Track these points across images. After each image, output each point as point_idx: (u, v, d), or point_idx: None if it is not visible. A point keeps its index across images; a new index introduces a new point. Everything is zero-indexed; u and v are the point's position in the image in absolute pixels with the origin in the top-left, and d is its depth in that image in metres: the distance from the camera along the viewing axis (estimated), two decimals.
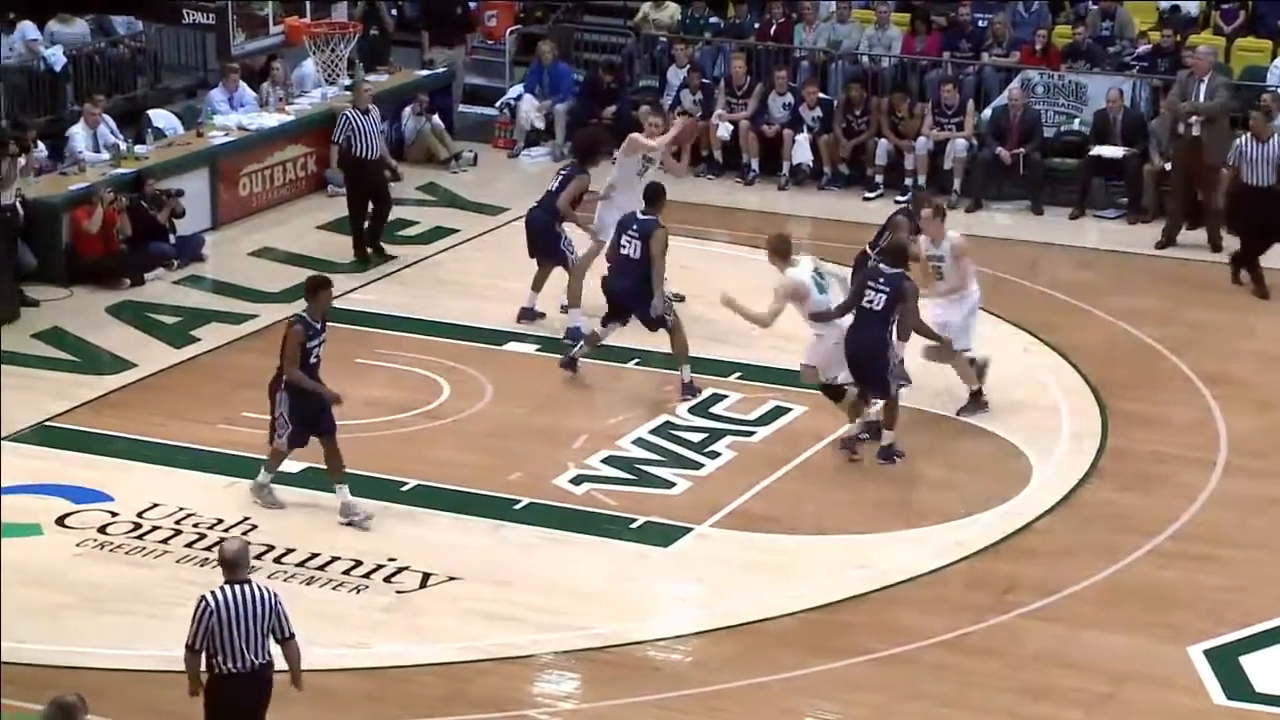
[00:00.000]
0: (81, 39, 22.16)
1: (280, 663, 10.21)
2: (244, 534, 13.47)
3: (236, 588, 9.97)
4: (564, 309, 17.10)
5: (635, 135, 17.58)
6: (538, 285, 17.30)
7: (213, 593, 10.01)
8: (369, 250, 19.08)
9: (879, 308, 14.41)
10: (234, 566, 10.04)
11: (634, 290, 15.59)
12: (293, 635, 10.15)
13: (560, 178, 17.20)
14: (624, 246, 15.74)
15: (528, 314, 17.29)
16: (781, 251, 15.07)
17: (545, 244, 17.12)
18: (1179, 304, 18.33)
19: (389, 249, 19.21)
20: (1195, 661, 12.14)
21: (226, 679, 9.96)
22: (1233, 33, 22.32)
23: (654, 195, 16.01)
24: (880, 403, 14.83)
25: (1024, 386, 16.25)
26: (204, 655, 9.98)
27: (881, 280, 14.50)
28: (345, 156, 19.27)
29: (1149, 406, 15.87)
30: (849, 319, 14.64)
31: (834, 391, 14.87)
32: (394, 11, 24.54)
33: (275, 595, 10.08)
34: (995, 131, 21.14)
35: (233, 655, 9.91)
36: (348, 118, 19.15)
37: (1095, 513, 14.13)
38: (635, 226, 15.74)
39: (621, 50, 23.73)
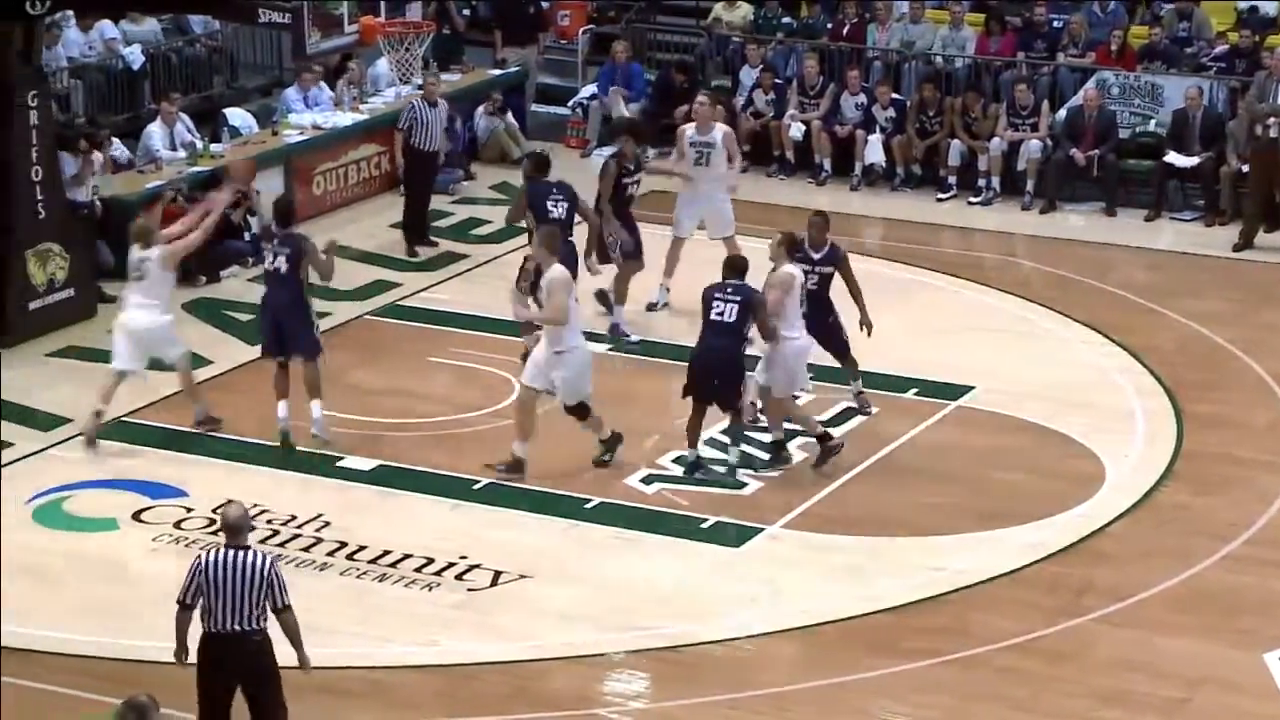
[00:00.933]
0: (154, 37, 22.33)
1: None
2: (317, 530, 13.56)
3: (232, 552, 9.99)
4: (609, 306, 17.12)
5: (681, 128, 17.81)
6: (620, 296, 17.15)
7: (208, 551, 10.13)
8: (418, 241, 19.30)
9: (731, 319, 14.12)
10: (234, 531, 10.09)
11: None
12: (288, 607, 10.05)
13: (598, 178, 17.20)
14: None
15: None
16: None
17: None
18: (1254, 306, 18.19)
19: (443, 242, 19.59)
20: (1270, 667, 12.03)
21: (209, 638, 10.04)
22: None
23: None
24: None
25: (1097, 389, 16.16)
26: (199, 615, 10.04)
27: (730, 290, 14.20)
28: (405, 145, 19.49)
29: (1223, 409, 15.75)
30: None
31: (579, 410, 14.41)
32: (465, 11, 24.63)
33: (271, 564, 10.03)
34: (1070, 132, 21.02)
35: (217, 616, 9.96)
36: (413, 106, 19.51)
37: (1169, 516, 14.04)
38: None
39: (694, 50, 23.73)
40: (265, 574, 9.95)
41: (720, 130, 17.72)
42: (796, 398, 14.90)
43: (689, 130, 17.70)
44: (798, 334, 14.51)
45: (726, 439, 14.50)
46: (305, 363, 14.76)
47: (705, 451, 14.71)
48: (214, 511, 13.69)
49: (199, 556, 10.13)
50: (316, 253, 14.85)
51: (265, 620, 10.05)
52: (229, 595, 9.92)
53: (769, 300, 14.28)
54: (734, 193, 17.93)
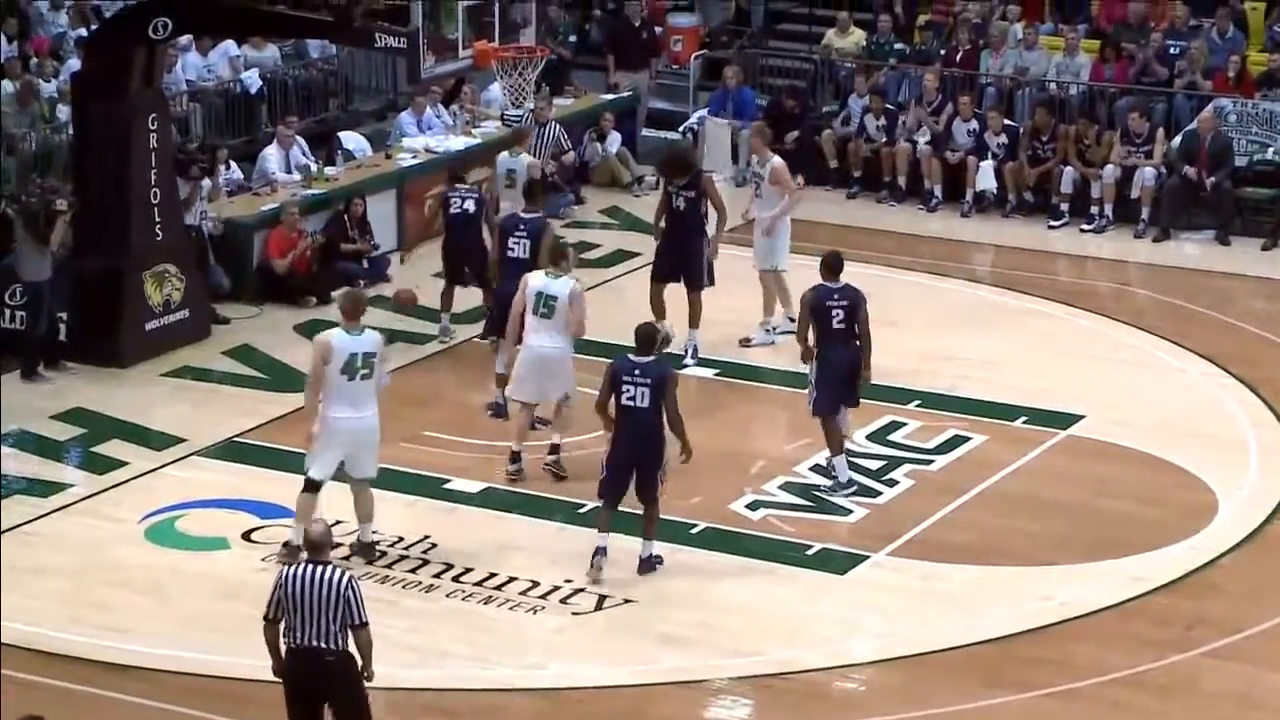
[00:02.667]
0: (273, 62, 22.61)
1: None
2: (424, 552, 13.64)
3: (312, 567, 10.05)
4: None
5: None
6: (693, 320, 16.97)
7: (289, 566, 10.22)
8: None
9: (644, 403, 13.02)
10: (316, 548, 10.17)
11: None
12: (364, 623, 10.06)
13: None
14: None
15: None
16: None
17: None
18: None
19: None
20: None
21: (290, 653, 10.13)
22: None
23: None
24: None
25: (1210, 419, 15.97)
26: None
27: (638, 371, 13.06)
28: None
29: None
30: None
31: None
32: (572, 38, 24.67)
33: (349, 581, 10.04)
34: (1185, 157, 20.81)
35: (297, 632, 10.03)
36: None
37: None
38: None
39: (806, 76, 23.71)
40: (341, 590, 9.98)
41: (771, 162, 17.48)
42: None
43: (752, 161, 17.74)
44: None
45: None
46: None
47: (811, 478, 14.68)
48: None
49: (280, 571, 10.24)
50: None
51: (346, 640, 10.09)
52: (308, 611, 10.00)
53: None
54: (765, 229, 17.23)
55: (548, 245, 15.43)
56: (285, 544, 13.43)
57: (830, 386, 14.45)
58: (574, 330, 14.57)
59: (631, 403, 13.01)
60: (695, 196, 16.79)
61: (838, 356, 14.46)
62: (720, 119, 22.71)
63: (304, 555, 10.28)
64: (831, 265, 14.62)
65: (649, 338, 13.23)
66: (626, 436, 13.06)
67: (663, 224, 17.05)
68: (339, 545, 12.91)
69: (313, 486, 13.23)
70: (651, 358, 13.12)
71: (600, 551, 13.18)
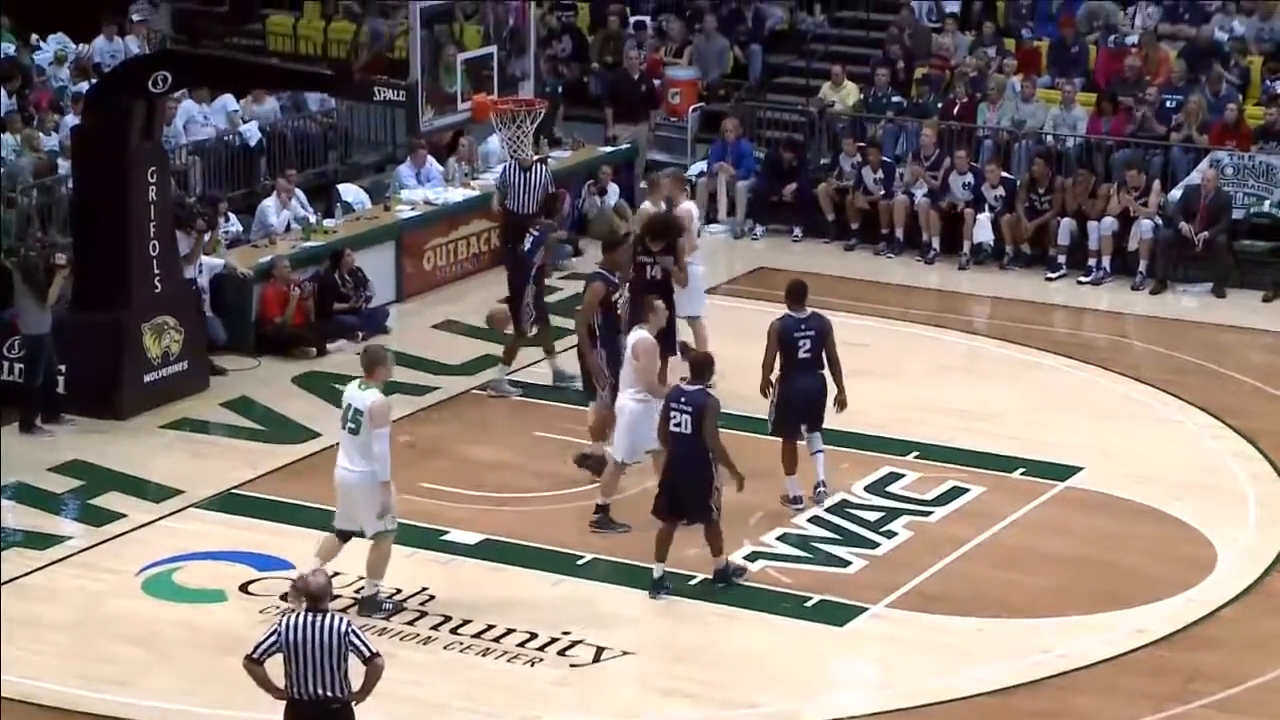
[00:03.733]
0: (272, 115, 22.71)
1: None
2: (421, 604, 13.62)
3: (311, 616, 10.10)
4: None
5: None
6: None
7: (288, 616, 10.24)
8: None
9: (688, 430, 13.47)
10: (314, 598, 10.20)
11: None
12: (376, 654, 10.13)
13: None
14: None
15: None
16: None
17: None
18: None
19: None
20: None
21: (291, 704, 10.16)
22: None
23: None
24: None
25: (1209, 472, 15.98)
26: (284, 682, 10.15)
27: (683, 400, 13.51)
28: (501, 207, 19.57)
29: None
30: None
31: None
32: (559, 89, 24.66)
33: (348, 626, 10.11)
34: (1185, 211, 20.86)
35: (297, 682, 10.07)
36: (505, 168, 19.49)
37: None
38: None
39: (803, 129, 23.80)
40: (343, 634, 10.05)
41: (679, 208, 17.45)
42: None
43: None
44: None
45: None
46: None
47: (810, 529, 14.69)
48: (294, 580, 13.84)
49: (280, 621, 10.25)
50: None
51: (347, 688, 10.14)
52: (309, 660, 10.04)
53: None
54: (677, 279, 16.70)
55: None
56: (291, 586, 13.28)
57: (793, 410, 14.81)
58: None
59: (678, 429, 13.46)
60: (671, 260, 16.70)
61: (804, 383, 14.79)
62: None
63: (304, 605, 10.28)
64: (794, 294, 14.92)
65: (700, 367, 13.72)
66: (672, 461, 13.66)
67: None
68: (339, 596, 12.88)
69: (338, 533, 13.40)
70: (698, 387, 13.55)
71: (656, 584, 13.65)
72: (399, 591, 13.78)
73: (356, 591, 13.63)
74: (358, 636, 10.13)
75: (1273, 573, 14.24)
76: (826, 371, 14.91)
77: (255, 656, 10.18)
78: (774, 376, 14.90)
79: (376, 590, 13.51)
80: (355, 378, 12.42)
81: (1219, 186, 20.78)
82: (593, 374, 15.58)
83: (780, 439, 15.02)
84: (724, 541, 13.84)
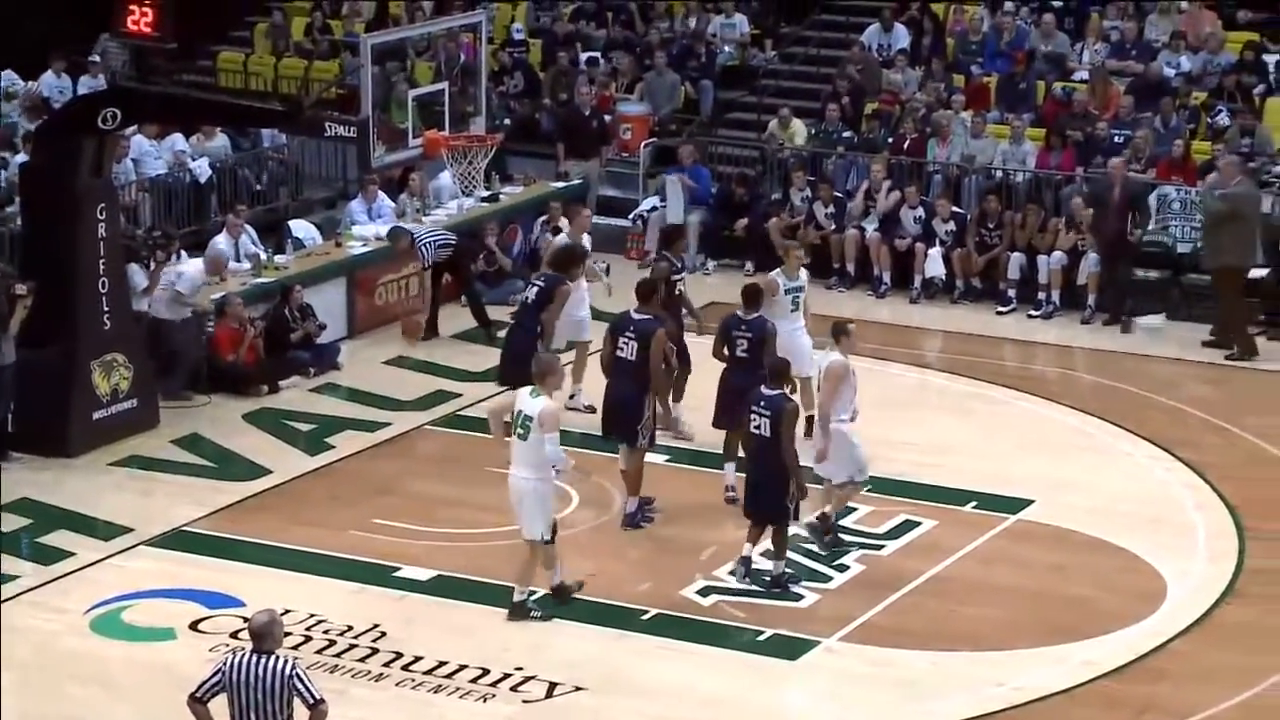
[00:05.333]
0: (223, 151, 22.67)
1: None
2: (373, 641, 13.56)
3: (256, 657, 9.99)
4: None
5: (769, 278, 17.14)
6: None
7: (234, 654, 10.10)
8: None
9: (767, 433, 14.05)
10: (258, 637, 10.08)
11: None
12: (320, 701, 9.99)
13: (538, 290, 16.88)
14: (621, 349, 15.40)
15: None
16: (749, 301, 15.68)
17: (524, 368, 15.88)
18: None
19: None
20: None
21: None
22: None
23: (649, 293, 15.77)
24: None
25: (1159, 504, 16.05)
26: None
27: (763, 403, 14.11)
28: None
29: None
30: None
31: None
32: (511, 124, 24.71)
33: (293, 667, 9.98)
34: (1098, 216, 20.85)
35: None
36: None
37: (1232, 634, 13.88)
38: (632, 328, 15.45)
39: (754, 163, 23.87)
40: (286, 677, 9.92)
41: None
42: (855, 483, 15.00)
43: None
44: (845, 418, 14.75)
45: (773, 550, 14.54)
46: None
47: (762, 563, 14.71)
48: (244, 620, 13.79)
49: (225, 659, 10.14)
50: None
51: None
52: (252, 701, 9.93)
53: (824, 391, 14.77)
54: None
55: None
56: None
57: (726, 403, 15.48)
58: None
59: (758, 431, 14.13)
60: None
61: (737, 380, 15.37)
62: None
63: (248, 646, 10.18)
64: (746, 296, 15.83)
65: (778, 372, 14.33)
66: (750, 463, 14.41)
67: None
68: (289, 634, 12.81)
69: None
70: (778, 391, 14.15)
71: (742, 561, 14.34)
72: (350, 628, 13.70)
73: (309, 628, 13.55)
74: (302, 681, 9.97)
75: (1222, 604, 14.30)
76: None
77: (199, 696, 10.06)
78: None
79: (525, 597, 13.80)
80: (300, 415, 12.45)
81: (1127, 176, 20.69)
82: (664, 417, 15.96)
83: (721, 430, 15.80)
84: (787, 548, 14.32)
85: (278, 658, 10.01)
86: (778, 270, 16.92)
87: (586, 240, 18.47)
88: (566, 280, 16.79)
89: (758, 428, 14.13)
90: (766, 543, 14.43)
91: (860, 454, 14.88)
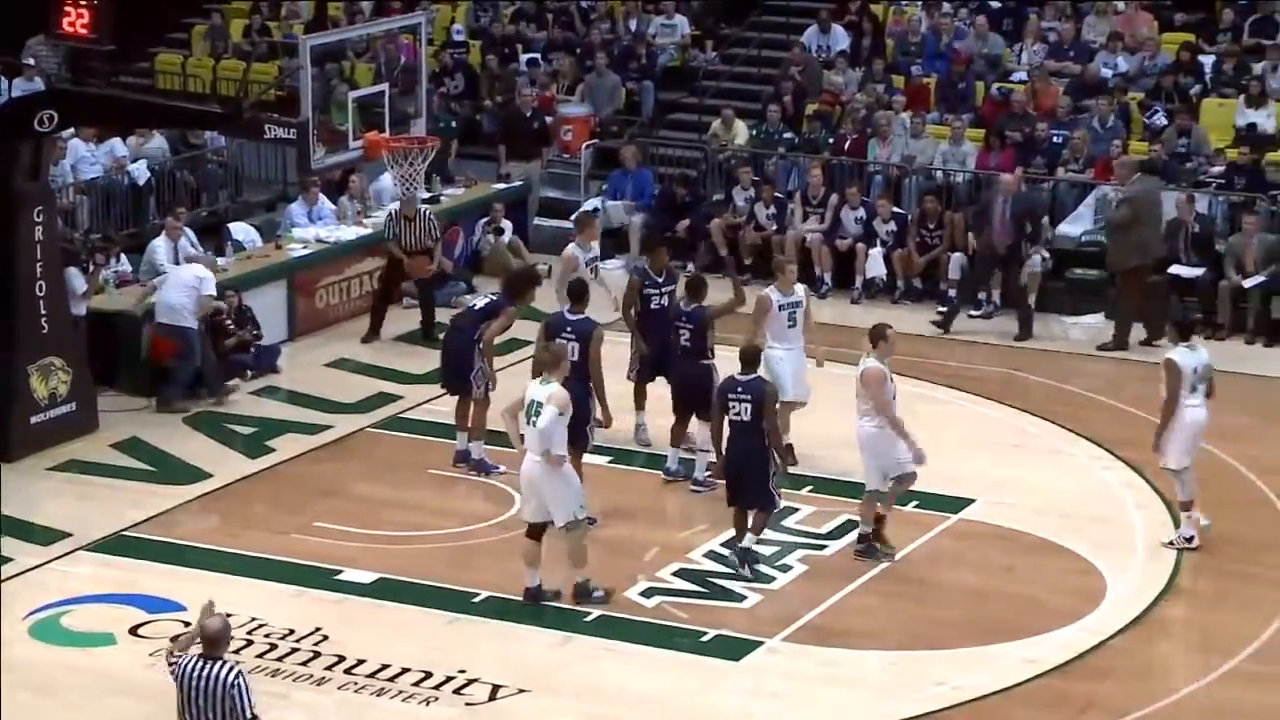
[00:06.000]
0: (161, 154, 22.53)
1: None
2: (315, 644, 13.50)
3: (204, 663, 9.94)
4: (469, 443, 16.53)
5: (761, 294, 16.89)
6: (463, 423, 16.56)
7: (187, 662, 10.02)
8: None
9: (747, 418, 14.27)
10: (211, 643, 10.01)
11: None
12: (253, 717, 9.94)
13: (487, 302, 16.60)
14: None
15: (477, 463, 16.47)
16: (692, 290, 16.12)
17: (459, 369, 16.38)
18: (1258, 423, 18.15)
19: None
20: None
21: None
22: None
23: (581, 292, 15.76)
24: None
25: (1099, 503, 16.13)
26: None
27: (740, 389, 14.34)
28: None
29: (1226, 525, 15.67)
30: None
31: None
32: (452, 126, 24.64)
33: (235, 675, 9.90)
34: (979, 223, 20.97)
35: None
36: (391, 215, 19.91)
37: (1172, 631, 13.98)
38: (570, 328, 15.42)
39: (697, 164, 23.90)
40: (227, 686, 9.86)
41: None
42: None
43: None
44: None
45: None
46: None
47: (705, 564, 14.69)
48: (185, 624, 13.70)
49: (180, 662, 10.06)
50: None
51: None
52: (199, 707, 9.89)
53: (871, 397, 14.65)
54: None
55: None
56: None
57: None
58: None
59: (738, 418, 14.29)
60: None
61: (684, 367, 15.90)
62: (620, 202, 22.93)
63: (198, 650, 10.11)
64: (690, 286, 16.21)
65: (750, 357, 14.54)
66: (731, 449, 14.47)
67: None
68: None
69: (530, 532, 14.03)
70: (753, 376, 14.39)
71: (741, 552, 14.59)
72: (292, 632, 13.64)
73: (250, 632, 13.49)
74: (242, 691, 9.89)
75: (1161, 602, 14.39)
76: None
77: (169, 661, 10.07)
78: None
79: (586, 579, 14.00)
80: (240, 418, 12.36)
81: (1018, 194, 20.73)
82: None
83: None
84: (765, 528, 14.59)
85: (224, 664, 9.96)
86: (771, 286, 16.54)
87: (595, 247, 17.99)
88: (513, 306, 16.52)
89: (737, 414, 14.26)
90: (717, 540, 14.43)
91: (887, 464, 14.76)
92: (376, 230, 21.28)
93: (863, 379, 14.70)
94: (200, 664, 9.94)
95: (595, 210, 21.61)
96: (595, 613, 14.00)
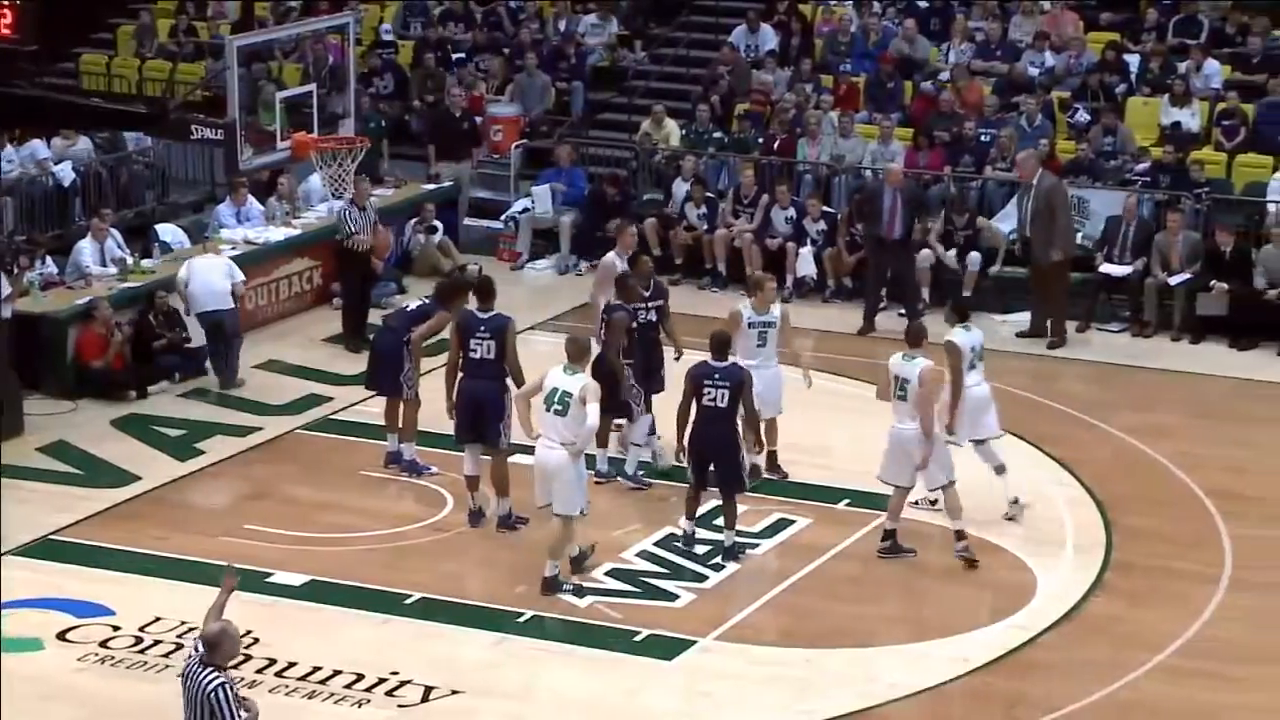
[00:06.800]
0: (86, 154, 22.36)
1: None
2: (245, 647, 13.40)
3: (198, 665, 9.84)
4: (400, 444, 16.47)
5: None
6: (393, 424, 16.53)
7: (189, 659, 9.96)
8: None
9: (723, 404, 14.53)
10: (209, 646, 9.89)
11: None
12: None
13: (419, 304, 16.53)
14: (474, 350, 15.26)
15: (408, 465, 16.45)
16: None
17: (390, 370, 16.35)
18: (1186, 420, 18.31)
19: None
20: None
21: None
22: (1234, 149, 22.47)
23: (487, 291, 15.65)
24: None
25: (1030, 499, 16.20)
26: None
27: (718, 375, 14.59)
28: (340, 248, 19.88)
29: (1153, 521, 15.83)
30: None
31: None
32: (381, 126, 24.57)
33: (217, 689, 9.72)
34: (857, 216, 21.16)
35: None
36: (345, 209, 19.73)
37: (1101, 627, 14.06)
38: (483, 327, 15.25)
39: (627, 164, 23.90)
40: (206, 694, 9.72)
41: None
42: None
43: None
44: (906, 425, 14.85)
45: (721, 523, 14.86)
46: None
47: (638, 564, 14.70)
48: (140, 629, 13.62)
49: (190, 658, 9.99)
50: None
51: None
52: (188, 705, 9.83)
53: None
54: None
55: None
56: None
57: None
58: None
59: (712, 404, 14.51)
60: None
61: (599, 368, 15.58)
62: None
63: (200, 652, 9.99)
64: (618, 284, 16.27)
65: (721, 343, 14.79)
66: (704, 433, 14.60)
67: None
68: (160, 642, 12.64)
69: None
70: (729, 362, 14.67)
71: (689, 538, 14.91)
72: (251, 641, 13.52)
73: (180, 636, 13.40)
74: (221, 706, 9.68)
75: (1091, 598, 14.48)
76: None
77: None
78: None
79: (557, 574, 14.19)
80: (169, 420, 12.24)
81: (904, 181, 20.80)
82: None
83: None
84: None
85: (212, 671, 9.77)
86: (745, 303, 16.28)
87: (622, 262, 17.25)
88: (445, 311, 16.42)
89: (712, 400, 14.50)
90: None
91: (950, 455, 15.00)
92: (307, 231, 21.18)
93: (921, 379, 14.75)
94: (195, 666, 9.83)
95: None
96: (528, 613, 13.97)
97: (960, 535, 14.86)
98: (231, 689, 9.79)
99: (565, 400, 13.90)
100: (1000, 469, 15.71)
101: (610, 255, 17.55)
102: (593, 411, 13.91)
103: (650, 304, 16.53)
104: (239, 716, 9.74)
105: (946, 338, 15.58)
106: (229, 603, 10.07)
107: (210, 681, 9.75)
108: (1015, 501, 15.73)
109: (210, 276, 18.63)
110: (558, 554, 14.22)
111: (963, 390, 15.41)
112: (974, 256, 21.15)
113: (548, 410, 13.96)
